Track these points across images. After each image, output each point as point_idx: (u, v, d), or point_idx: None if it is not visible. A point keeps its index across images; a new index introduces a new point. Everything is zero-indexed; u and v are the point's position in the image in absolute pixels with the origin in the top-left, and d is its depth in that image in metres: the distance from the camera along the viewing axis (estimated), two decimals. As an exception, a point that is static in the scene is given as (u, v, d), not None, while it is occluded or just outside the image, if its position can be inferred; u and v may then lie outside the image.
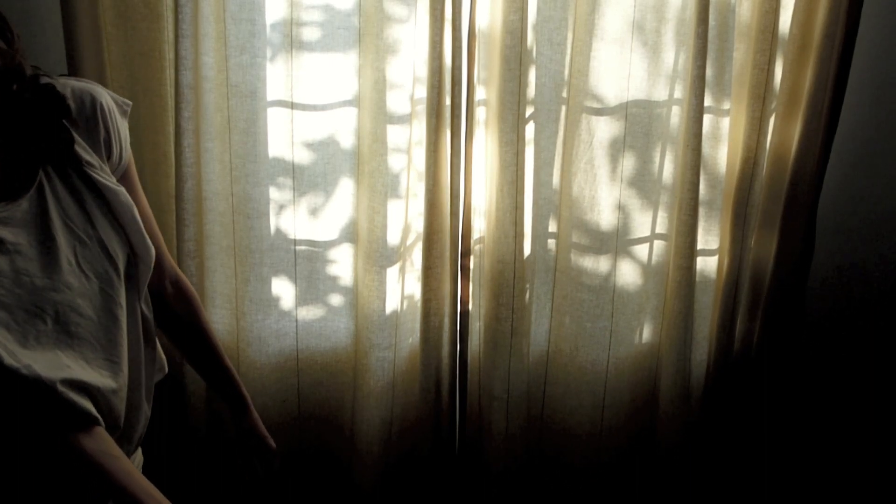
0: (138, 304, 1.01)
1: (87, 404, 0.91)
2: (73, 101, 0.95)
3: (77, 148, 0.94)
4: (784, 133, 1.72)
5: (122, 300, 0.97)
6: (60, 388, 0.88)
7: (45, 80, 0.91)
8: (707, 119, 1.66)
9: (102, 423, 0.93)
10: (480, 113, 1.65)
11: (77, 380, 0.90)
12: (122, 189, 0.99)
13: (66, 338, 0.90)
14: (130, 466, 0.94)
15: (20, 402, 0.86)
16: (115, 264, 0.96)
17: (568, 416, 1.84)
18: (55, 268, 0.89)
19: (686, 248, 1.71)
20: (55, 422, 0.89)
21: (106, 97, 0.99)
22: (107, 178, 0.97)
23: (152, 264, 1.03)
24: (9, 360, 0.83)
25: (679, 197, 1.70)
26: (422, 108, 1.61)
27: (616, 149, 1.69)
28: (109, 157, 1.00)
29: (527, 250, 1.71)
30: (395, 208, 1.63)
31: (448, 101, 1.59)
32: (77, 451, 0.89)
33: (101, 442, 0.92)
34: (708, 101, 1.66)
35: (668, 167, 1.72)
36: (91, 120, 0.97)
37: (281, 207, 1.65)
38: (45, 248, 0.89)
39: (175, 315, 1.17)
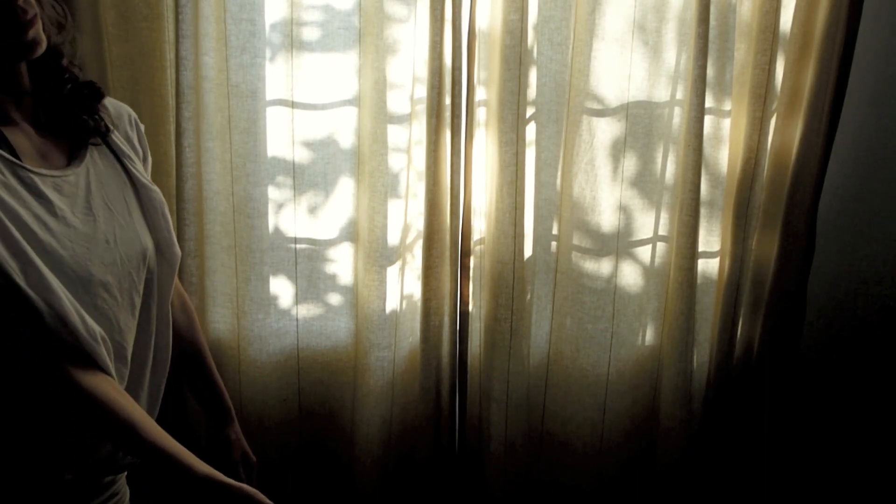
0: (155, 303, 1.04)
1: (111, 368, 0.94)
2: (112, 108, 1.06)
3: (116, 140, 1.02)
4: (785, 133, 1.71)
5: (141, 290, 1.01)
6: (101, 339, 0.91)
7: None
8: (708, 119, 1.66)
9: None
10: (480, 113, 1.65)
11: (107, 341, 0.93)
12: (157, 189, 1.05)
13: (91, 310, 0.93)
14: (159, 427, 0.94)
15: (62, 341, 0.87)
16: (144, 255, 1.01)
17: (568, 420, 1.84)
18: (94, 241, 0.93)
19: (687, 249, 1.70)
20: (89, 368, 0.90)
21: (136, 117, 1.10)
22: (143, 176, 1.04)
23: (176, 267, 1.07)
24: (68, 304, 0.87)
25: (680, 198, 1.70)
26: (422, 108, 1.61)
27: (617, 149, 1.69)
28: (144, 165, 1.09)
29: (527, 251, 1.70)
30: (395, 208, 1.64)
31: (448, 101, 1.59)
32: (110, 403, 0.89)
33: (132, 401, 0.93)
34: (709, 102, 1.66)
35: (669, 168, 1.72)
36: (130, 129, 1.07)
37: (281, 207, 1.65)
38: (87, 221, 0.94)
39: (177, 326, 1.20)
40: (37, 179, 0.89)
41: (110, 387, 0.90)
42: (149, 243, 1.01)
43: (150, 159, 1.11)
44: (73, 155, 0.97)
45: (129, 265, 0.98)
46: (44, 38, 0.88)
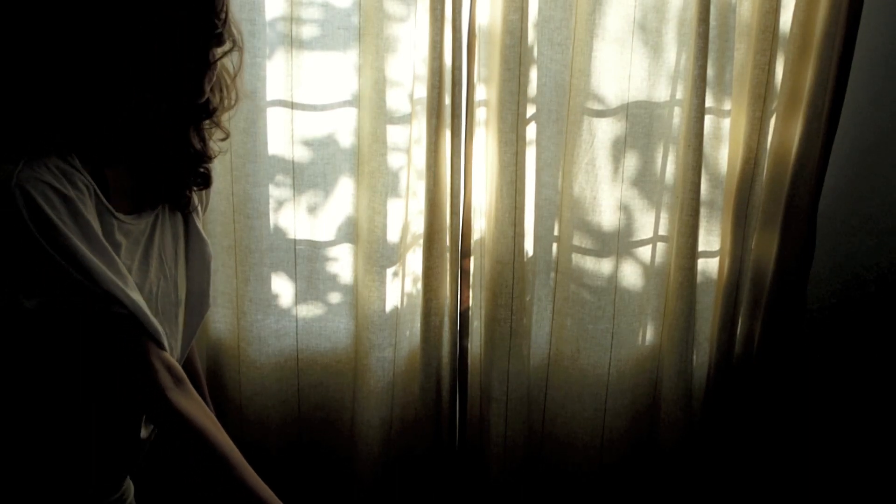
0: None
1: None
2: None
3: (193, 196, 1.03)
4: (784, 133, 1.71)
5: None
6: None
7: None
8: (708, 119, 1.66)
9: None
10: (480, 113, 1.65)
11: None
12: (209, 243, 1.05)
13: None
14: (247, 463, 0.91)
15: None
16: (177, 309, 1.00)
17: (569, 420, 1.83)
18: (139, 292, 0.91)
19: (688, 249, 1.70)
20: (183, 395, 0.88)
21: None
22: (202, 230, 1.05)
23: (203, 318, 1.07)
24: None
25: (681, 197, 1.70)
26: (422, 108, 1.61)
27: (617, 149, 1.69)
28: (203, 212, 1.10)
29: (528, 251, 1.70)
30: (394, 208, 1.63)
31: (448, 101, 1.59)
32: (205, 433, 0.87)
33: (225, 434, 0.90)
34: (708, 102, 1.66)
35: (669, 168, 1.72)
36: None
37: (281, 207, 1.65)
38: (140, 271, 0.93)
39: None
40: (115, 225, 0.89)
41: (205, 416, 0.88)
42: (182, 296, 1.01)
43: (208, 208, 1.11)
44: (145, 197, 0.96)
45: (162, 318, 0.97)
46: (206, 93, 0.89)
